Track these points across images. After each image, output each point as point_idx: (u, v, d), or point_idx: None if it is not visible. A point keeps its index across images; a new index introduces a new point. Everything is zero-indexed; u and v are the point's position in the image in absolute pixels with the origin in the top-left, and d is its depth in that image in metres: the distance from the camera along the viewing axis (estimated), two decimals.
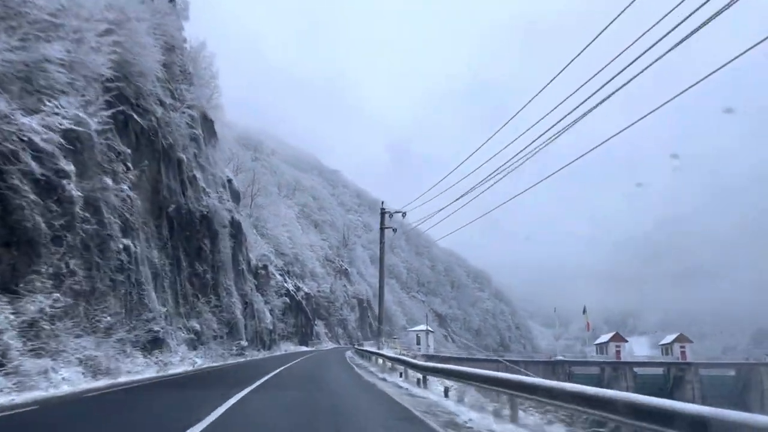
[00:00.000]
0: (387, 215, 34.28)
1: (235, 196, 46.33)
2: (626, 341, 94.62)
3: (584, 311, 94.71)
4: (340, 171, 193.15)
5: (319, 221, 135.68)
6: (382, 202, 34.80)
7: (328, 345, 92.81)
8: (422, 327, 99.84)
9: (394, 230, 33.78)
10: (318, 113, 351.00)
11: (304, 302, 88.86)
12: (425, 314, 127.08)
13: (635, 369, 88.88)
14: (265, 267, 55.61)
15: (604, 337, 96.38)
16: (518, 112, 14.79)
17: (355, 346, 59.69)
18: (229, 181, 44.82)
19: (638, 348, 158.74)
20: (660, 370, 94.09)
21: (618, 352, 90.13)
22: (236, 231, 42.24)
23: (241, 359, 33.70)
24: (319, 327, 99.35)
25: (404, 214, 34.19)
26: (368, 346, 65.87)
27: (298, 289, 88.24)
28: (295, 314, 78.39)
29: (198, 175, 33.63)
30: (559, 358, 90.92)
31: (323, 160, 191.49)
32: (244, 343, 36.36)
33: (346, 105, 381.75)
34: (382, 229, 34.11)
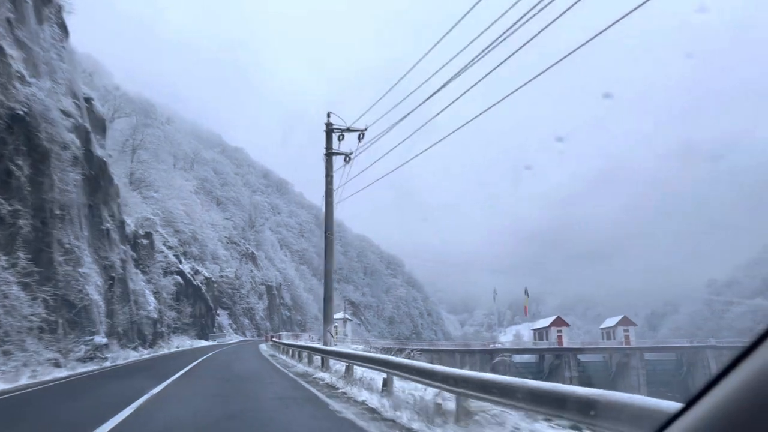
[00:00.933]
0: (336, 135, 21.46)
1: (98, 125, 31.64)
2: (568, 325, 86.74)
3: (526, 293, 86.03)
4: (244, 149, 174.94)
5: (222, 198, 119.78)
6: (328, 115, 21.79)
7: (233, 338, 78.47)
8: (340, 315, 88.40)
9: (348, 157, 20.94)
10: (221, 90, 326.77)
11: (203, 288, 74.04)
12: (340, 302, 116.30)
13: (579, 356, 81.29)
14: (148, 235, 40.94)
15: (544, 322, 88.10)
16: (404, 76, 14.97)
17: (273, 340, 46.30)
18: (89, 100, 30.23)
19: None
20: (600, 357, 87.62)
21: (560, 338, 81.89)
22: (97, 172, 27.92)
23: (90, 368, 19.84)
24: (223, 317, 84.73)
25: (362, 135, 21.51)
26: (287, 338, 52.83)
27: (196, 272, 73.32)
28: (193, 302, 63.72)
29: (12, 52, 19.33)
30: (498, 345, 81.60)
31: (226, 138, 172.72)
32: (100, 339, 22.32)
33: (252, 83, 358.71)
34: (328, 155, 21.16)
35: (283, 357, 27.29)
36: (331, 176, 21.35)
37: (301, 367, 19.50)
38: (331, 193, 21.14)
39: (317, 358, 18.77)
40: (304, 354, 21.86)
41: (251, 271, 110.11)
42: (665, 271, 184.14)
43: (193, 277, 68.60)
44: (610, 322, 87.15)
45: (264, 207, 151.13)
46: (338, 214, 23.17)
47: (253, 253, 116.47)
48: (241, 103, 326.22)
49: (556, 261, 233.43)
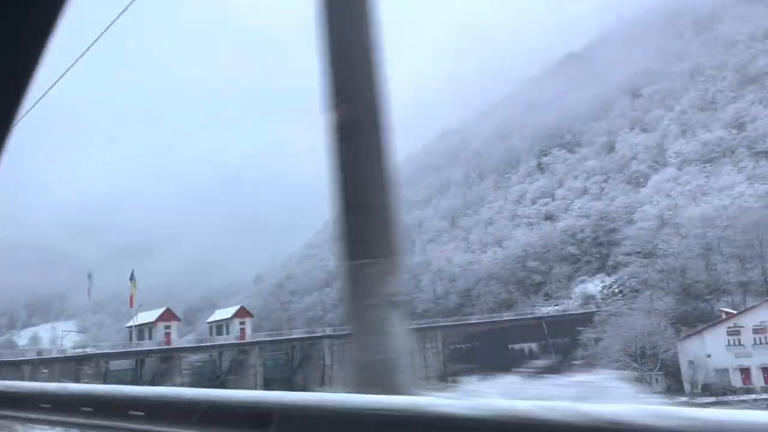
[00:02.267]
0: None
1: None
2: (179, 320, 72.87)
3: (131, 278, 68.55)
4: None
5: None
6: None
7: None
8: None
9: None
10: None
11: None
12: None
13: (189, 356, 68.63)
14: None
15: (148, 316, 71.96)
16: None
17: None
18: None
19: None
20: (209, 356, 76.92)
21: (168, 335, 67.47)
22: None
23: None
24: None
25: None
26: None
27: None
28: None
29: None
30: (88, 351, 62.55)
31: None
32: None
33: None
34: None
35: None
36: None
37: None
38: None
39: None
40: None
41: None
42: (208, 267, 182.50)
43: None
44: (222, 314, 76.32)
45: None
46: None
47: None
48: None
49: (95, 255, 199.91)
